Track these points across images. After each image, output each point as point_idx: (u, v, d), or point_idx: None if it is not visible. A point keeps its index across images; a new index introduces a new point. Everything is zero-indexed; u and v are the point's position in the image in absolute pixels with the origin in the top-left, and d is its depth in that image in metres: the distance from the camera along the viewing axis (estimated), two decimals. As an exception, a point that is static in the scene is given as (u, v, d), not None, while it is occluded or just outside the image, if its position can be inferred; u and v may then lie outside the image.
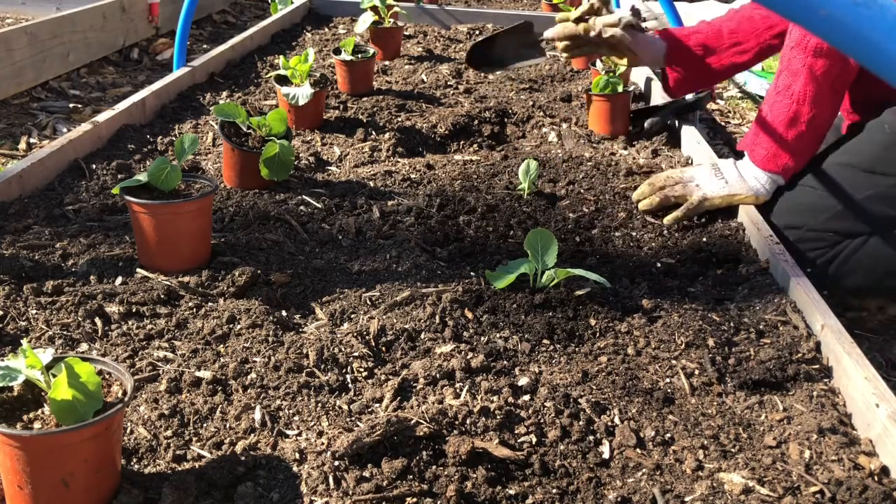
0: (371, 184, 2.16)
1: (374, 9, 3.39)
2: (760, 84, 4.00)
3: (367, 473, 1.15)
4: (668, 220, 2.04)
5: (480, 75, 3.29)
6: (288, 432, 1.26)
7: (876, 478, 1.22)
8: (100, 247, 1.71)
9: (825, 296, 1.67)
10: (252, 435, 1.24)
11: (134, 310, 1.52)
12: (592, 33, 2.37)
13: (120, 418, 1.08)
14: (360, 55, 2.86)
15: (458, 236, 1.90)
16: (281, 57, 2.68)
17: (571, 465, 1.22)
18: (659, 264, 1.85)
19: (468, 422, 1.26)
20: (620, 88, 2.63)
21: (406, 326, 1.51)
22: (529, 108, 2.85)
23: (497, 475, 1.19)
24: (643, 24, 2.41)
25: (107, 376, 1.12)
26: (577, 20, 2.40)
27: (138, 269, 1.64)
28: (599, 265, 1.82)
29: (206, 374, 1.35)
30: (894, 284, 2.02)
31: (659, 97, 2.95)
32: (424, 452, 1.19)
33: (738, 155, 2.14)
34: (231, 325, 1.49)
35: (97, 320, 1.48)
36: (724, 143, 3.31)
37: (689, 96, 2.66)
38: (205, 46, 4.28)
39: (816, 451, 1.26)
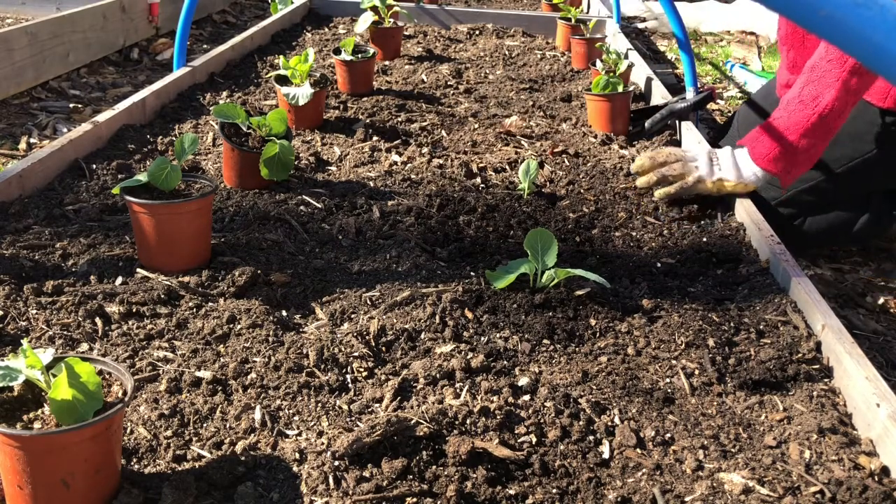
0: (371, 184, 2.16)
1: (374, 9, 3.39)
2: (760, 84, 4.00)
3: (367, 473, 1.15)
4: (659, 193, 2.08)
5: (481, 75, 3.29)
6: (288, 432, 1.26)
7: (876, 478, 1.22)
8: (100, 247, 1.71)
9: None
10: (252, 435, 1.24)
11: (134, 310, 1.51)
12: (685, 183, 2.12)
13: (120, 418, 1.08)
14: (360, 55, 2.86)
15: (458, 236, 1.90)
16: (281, 57, 2.68)
17: (571, 465, 1.21)
18: (659, 264, 1.85)
19: (468, 422, 1.26)
20: (620, 88, 2.63)
21: (406, 326, 1.51)
22: (530, 108, 2.85)
23: (497, 475, 1.19)
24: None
25: (107, 376, 1.12)
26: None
27: (138, 269, 1.64)
28: (599, 265, 1.82)
29: (206, 374, 1.35)
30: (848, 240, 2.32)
31: (659, 97, 2.95)
32: (424, 452, 1.19)
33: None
34: (231, 325, 1.49)
35: (97, 320, 1.48)
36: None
37: (689, 96, 2.66)
38: (205, 46, 4.28)
39: (816, 451, 1.26)
